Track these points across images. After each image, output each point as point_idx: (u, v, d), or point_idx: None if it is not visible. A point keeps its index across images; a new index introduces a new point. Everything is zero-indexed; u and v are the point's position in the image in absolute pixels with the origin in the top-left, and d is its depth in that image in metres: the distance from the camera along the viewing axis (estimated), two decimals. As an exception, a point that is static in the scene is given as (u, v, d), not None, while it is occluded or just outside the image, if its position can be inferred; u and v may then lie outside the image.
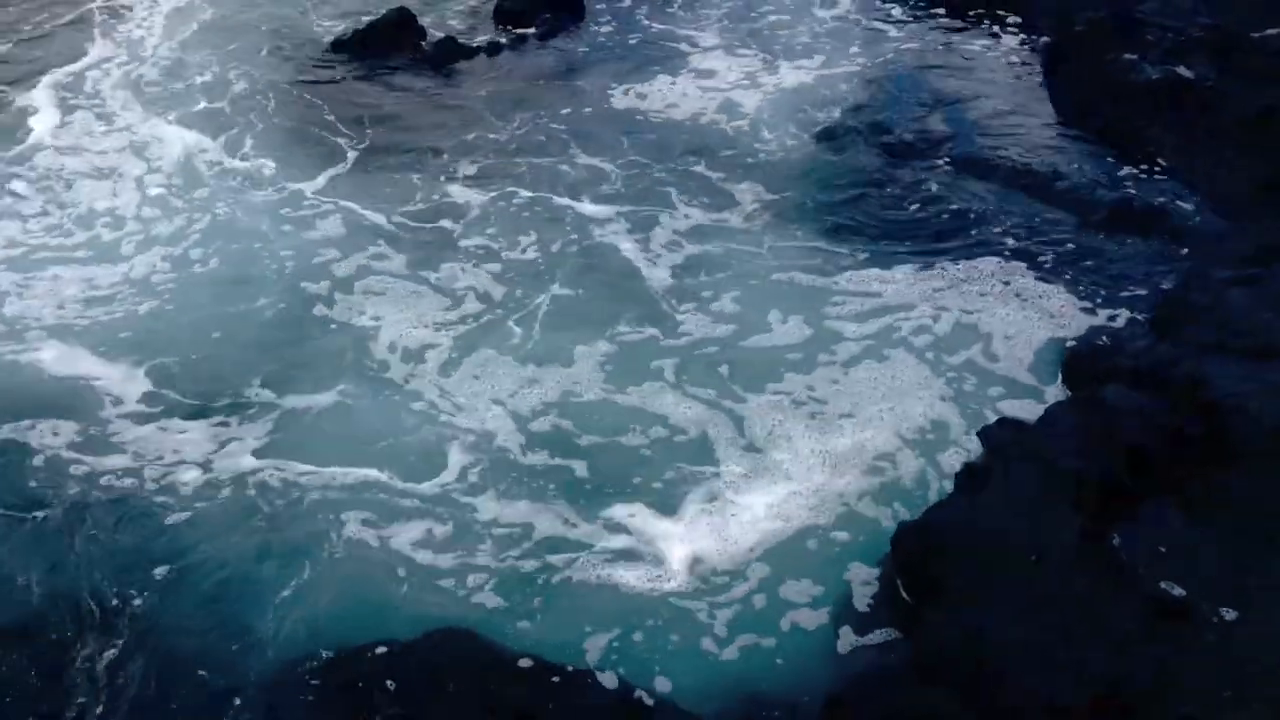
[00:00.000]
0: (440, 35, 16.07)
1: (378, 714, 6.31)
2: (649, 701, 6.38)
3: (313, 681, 6.62)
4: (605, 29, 16.52)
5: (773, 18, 16.59)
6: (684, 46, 15.88)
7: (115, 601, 7.20)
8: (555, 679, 6.53)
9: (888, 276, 10.49)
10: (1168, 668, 5.65)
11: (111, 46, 15.86)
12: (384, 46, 15.74)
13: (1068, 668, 5.74)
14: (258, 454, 8.53)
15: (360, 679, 6.52)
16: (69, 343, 9.74)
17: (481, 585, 7.37)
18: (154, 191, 12.16)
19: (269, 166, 12.62)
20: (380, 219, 11.59)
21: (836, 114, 13.83)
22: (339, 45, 15.81)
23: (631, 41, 16.10)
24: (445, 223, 11.56)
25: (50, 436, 8.66)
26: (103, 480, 8.24)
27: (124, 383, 9.26)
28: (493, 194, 12.04)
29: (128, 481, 8.25)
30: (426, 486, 8.21)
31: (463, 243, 11.21)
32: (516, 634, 6.98)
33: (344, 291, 10.42)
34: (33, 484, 8.19)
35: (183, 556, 7.57)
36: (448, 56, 15.60)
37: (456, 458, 8.48)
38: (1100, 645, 5.81)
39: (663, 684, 6.59)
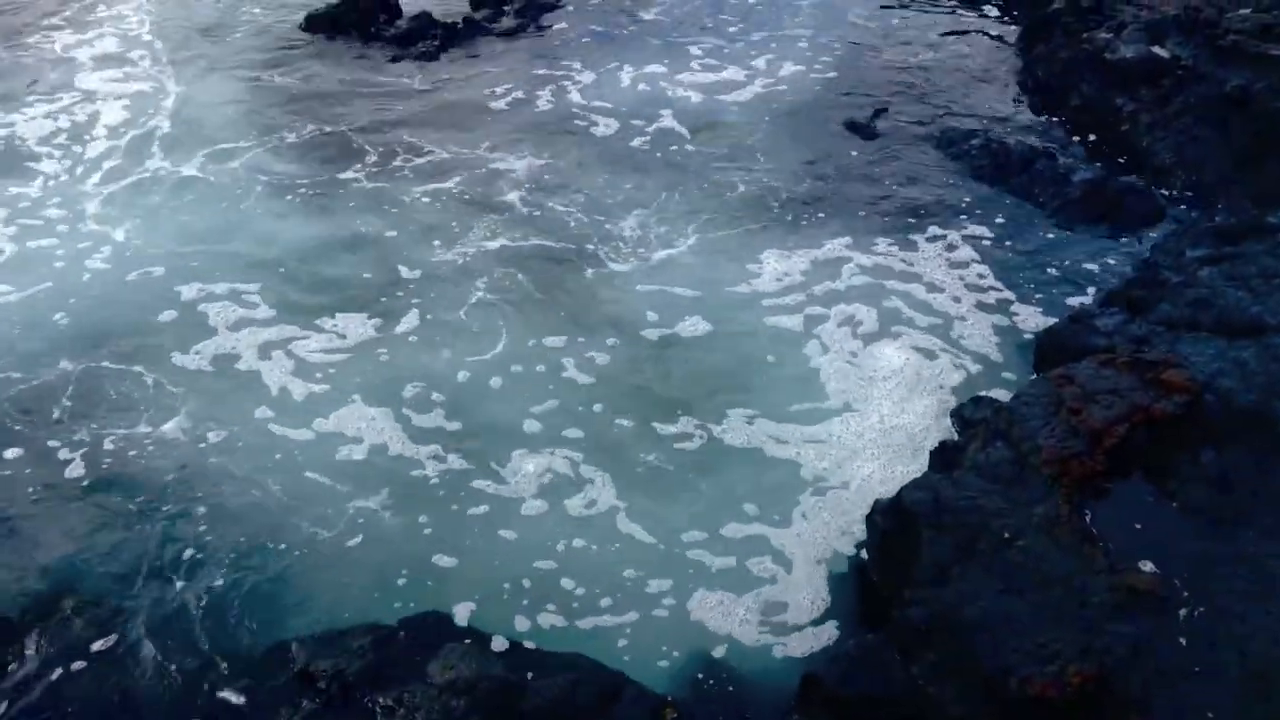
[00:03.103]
0: (416, 10, 15.99)
1: (357, 697, 6.28)
2: (619, 683, 6.33)
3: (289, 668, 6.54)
4: (584, 9, 16.45)
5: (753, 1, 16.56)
6: (659, 28, 15.83)
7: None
8: (526, 659, 6.51)
9: (856, 257, 10.47)
10: (1140, 643, 5.67)
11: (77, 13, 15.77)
12: (356, 24, 15.63)
13: (1042, 644, 5.75)
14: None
15: (340, 665, 6.45)
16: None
17: (442, 564, 7.32)
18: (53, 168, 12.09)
19: (172, 153, 12.53)
20: (277, 204, 11.42)
21: (804, 95, 13.80)
22: (312, 22, 15.68)
23: (603, 27, 16.03)
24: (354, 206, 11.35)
25: None
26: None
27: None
28: (415, 187, 11.85)
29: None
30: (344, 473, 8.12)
31: (384, 238, 10.96)
32: (481, 616, 6.94)
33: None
34: None
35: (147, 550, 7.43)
36: (417, 36, 15.52)
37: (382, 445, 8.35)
38: (1074, 622, 5.83)
39: (633, 668, 6.55)
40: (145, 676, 6.49)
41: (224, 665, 6.58)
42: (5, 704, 6.31)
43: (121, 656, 6.60)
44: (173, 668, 6.54)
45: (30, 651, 6.64)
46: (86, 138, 12.87)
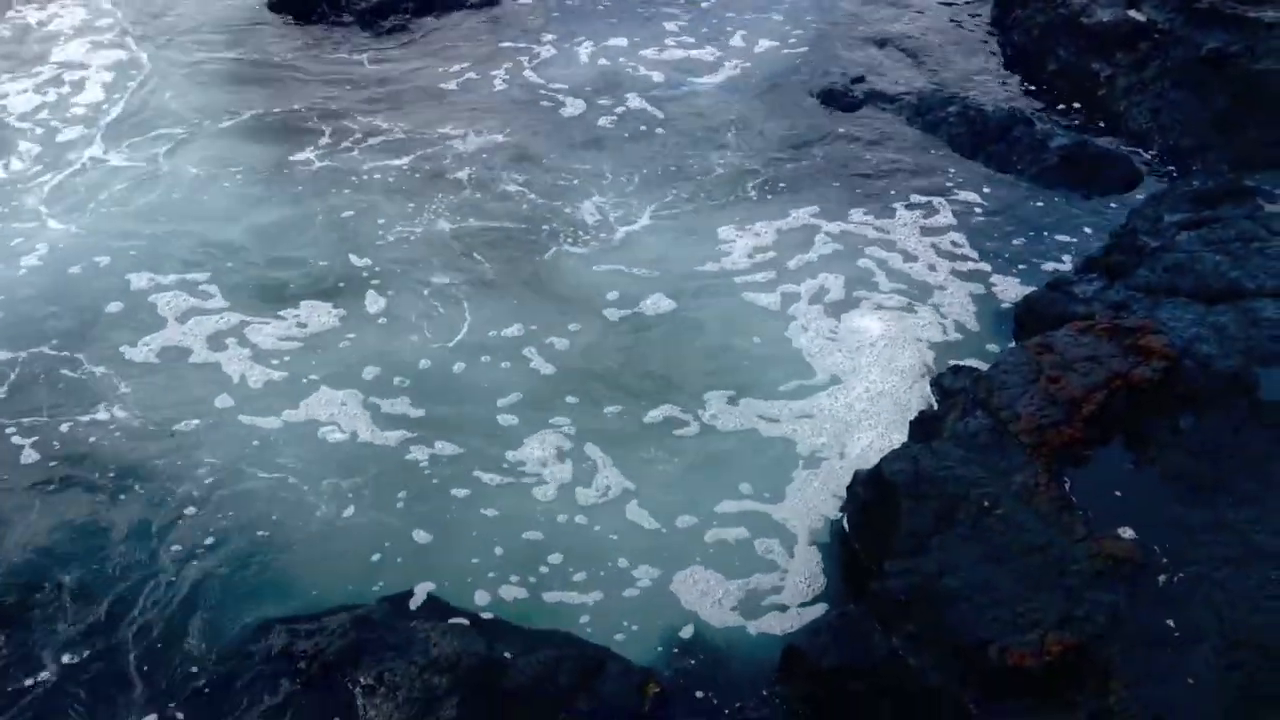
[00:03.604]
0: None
1: (337, 677, 6.26)
2: (601, 658, 6.32)
3: (269, 651, 6.49)
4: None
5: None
6: (634, 2, 15.59)
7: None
8: (508, 636, 6.50)
9: (832, 228, 10.40)
10: (1119, 611, 5.68)
11: None
12: (323, 3, 15.37)
13: (1021, 613, 5.77)
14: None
15: (320, 645, 6.41)
16: None
17: (422, 543, 7.28)
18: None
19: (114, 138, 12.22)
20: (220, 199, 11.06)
21: (778, 67, 13.67)
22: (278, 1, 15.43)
23: (577, 0, 15.77)
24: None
25: None
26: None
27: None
28: (360, 173, 11.53)
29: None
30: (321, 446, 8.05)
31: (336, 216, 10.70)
32: (462, 595, 6.92)
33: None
34: None
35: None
36: (387, 10, 15.29)
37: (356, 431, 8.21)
38: (1053, 590, 5.84)
39: (616, 644, 6.55)
40: (123, 661, 6.45)
41: (203, 648, 6.54)
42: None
43: (99, 642, 6.56)
44: (151, 652, 6.50)
45: (7, 640, 6.58)
46: (30, 122, 12.52)
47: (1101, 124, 11.99)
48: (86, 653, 6.50)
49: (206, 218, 10.68)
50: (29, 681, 6.31)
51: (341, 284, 9.72)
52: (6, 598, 6.82)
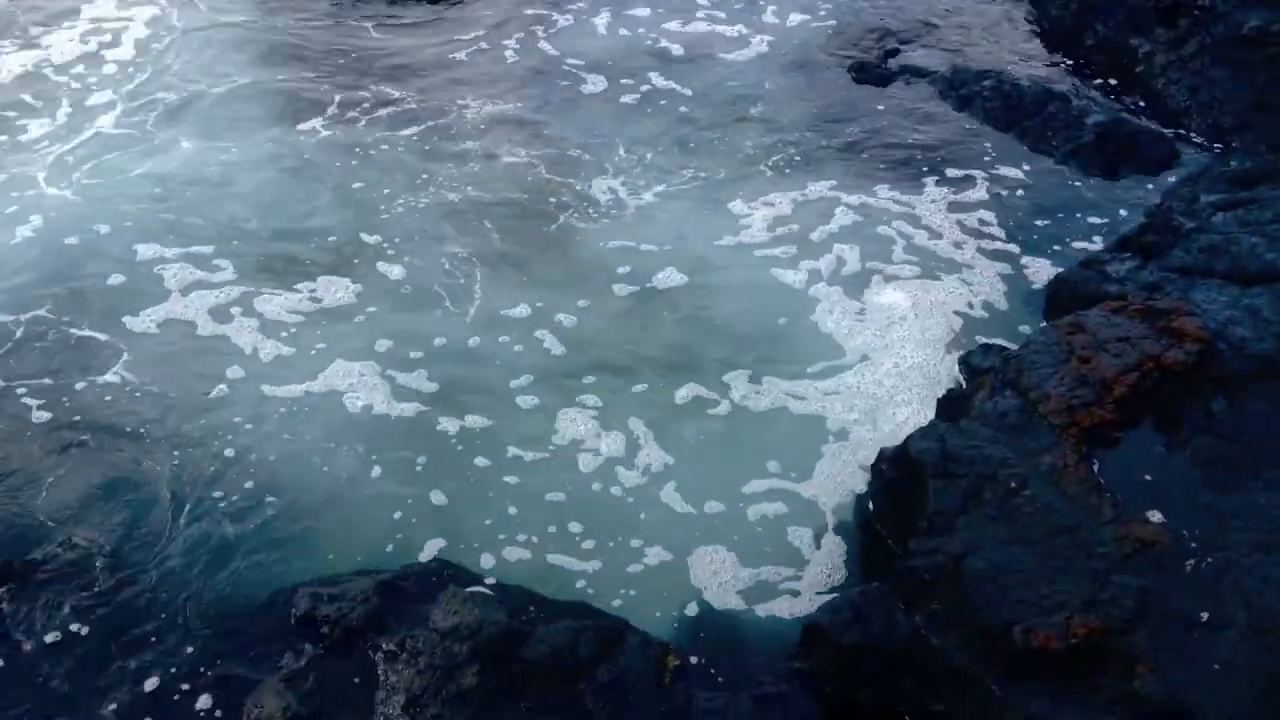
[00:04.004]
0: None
1: (359, 643, 6.28)
2: (621, 630, 6.31)
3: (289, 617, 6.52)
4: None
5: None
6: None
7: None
8: (529, 606, 6.49)
9: (862, 203, 10.27)
10: (1146, 595, 5.63)
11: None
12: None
13: (1046, 595, 5.72)
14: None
15: (343, 610, 6.43)
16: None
17: (445, 512, 7.29)
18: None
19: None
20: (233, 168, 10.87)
21: (808, 38, 13.48)
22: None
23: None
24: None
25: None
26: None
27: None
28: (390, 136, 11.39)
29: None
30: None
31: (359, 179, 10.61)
32: (484, 564, 6.94)
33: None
34: None
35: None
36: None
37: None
38: (1079, 573, 5.78)
39: (636, 617, 6.52)
40: (143, 625, 6.48)
41: (226, 612, 6.57)
42: (3, 652, 6.33)
43: (119, 605, 6.59)
44: (171, 616, 6.52)
45: (28, 601, 6.62)
46: (43, 83, 12.32)
47: (1139, 101, 11.81)
48: (106, 616, 6.52)
49: (212, 187, 10.54)
50: (50, 641, 6.35)
51: (351, 256, 9.61)
52: (25, 558, 6.85)
